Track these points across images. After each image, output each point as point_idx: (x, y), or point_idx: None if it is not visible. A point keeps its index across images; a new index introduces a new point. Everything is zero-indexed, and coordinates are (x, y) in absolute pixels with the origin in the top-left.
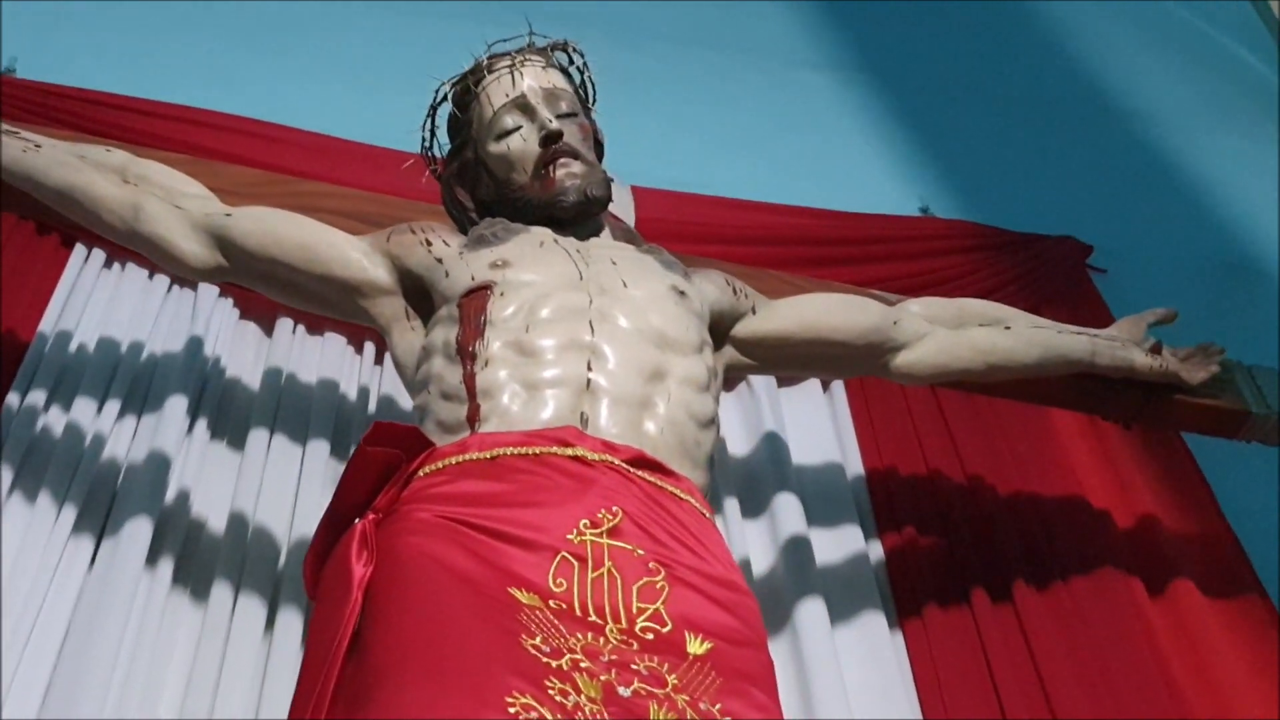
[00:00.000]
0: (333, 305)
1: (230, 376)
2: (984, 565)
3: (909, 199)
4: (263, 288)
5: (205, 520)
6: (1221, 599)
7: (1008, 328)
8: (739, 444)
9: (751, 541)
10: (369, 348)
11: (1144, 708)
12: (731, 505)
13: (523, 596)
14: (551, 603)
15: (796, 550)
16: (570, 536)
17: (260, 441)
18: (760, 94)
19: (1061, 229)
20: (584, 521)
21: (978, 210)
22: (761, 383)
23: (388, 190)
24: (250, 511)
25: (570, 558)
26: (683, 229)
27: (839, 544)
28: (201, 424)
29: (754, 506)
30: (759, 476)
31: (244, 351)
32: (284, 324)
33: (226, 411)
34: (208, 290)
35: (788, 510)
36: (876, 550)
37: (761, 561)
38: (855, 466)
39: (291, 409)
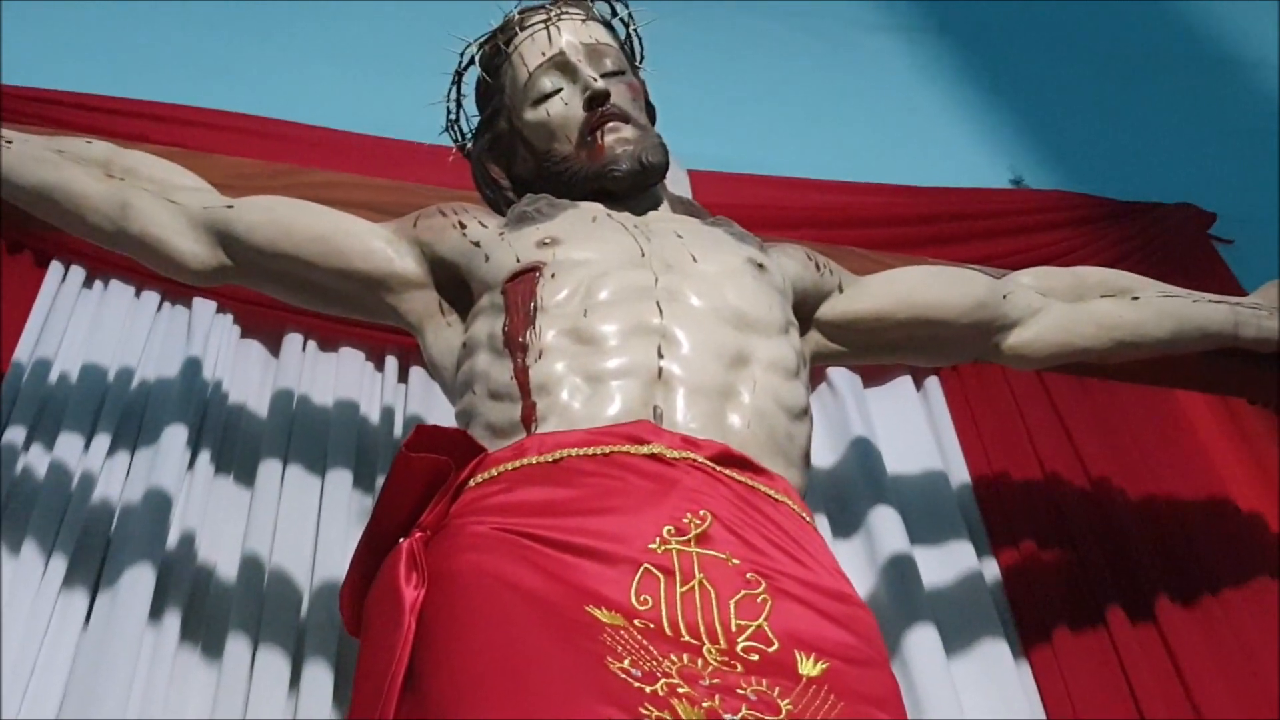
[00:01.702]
0: (356, 304)
1: (234, 402)
2: (1118, 581)
3: (998, 170)
4: (273, 289)
5: (214, 566)
6: None
7: (1135, 298)
8: (824, 453)
9: (847, 563)
10: (391, 363)
11: None
12: (820, 524)
13: (603, 615)
14: (637, 622)
15: (900, 572)
16: (653, 546)
17: (272, 474)
18: (821, 62)
19: (1176, 196)
20: (668, 528)
21: (1077, 179)
22: (845, 382)
23: (418, 180)
24: (265, 554)
25: (655, 570)
26: (748, 214)
27: (948, 563)
28: (204, 457)
29: (847, 523)
30: (850, 489)
31: (248, 373)
32: (292, 340)
33: (232, 442)
34: (204, 306)
35: (886, 526)
36: (992, 569)
37: (860, 585)
38: (960, 474)
39: (306, 436)
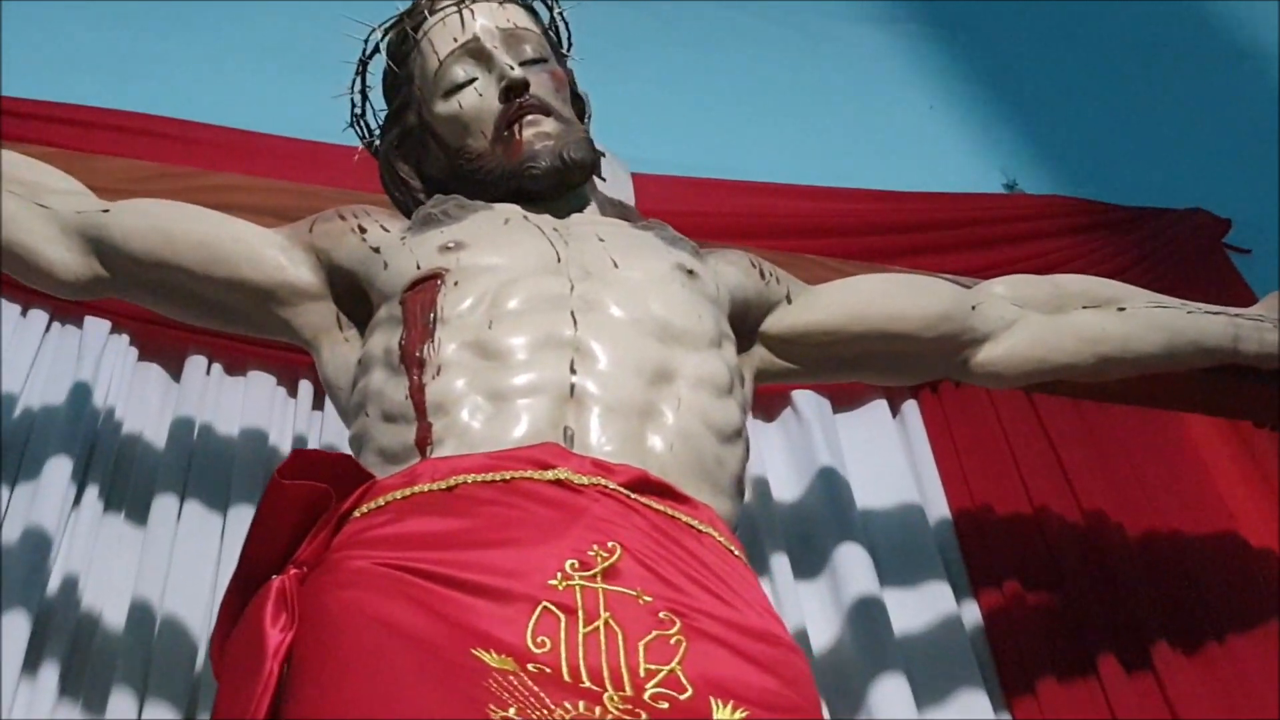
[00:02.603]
0: (246, 319)
1: (128, 431)
2: (1113, 626)
3: (989, 173)
4: (155, 303)
5: (99, 614)
6: None
7: (1121, 309)
8: (787, 486)
9: (810, 608)
10: (305, 388)
11: None
12: (781, 564)
13: (491, 659)
14: (531, 666)
15: (868, 617)
16: (553, 582)
17: (168, 512)
18: (794, 55)
19: (1186, 201)
20: (571, 562)
21: (1076, 182)
22: (811, 405)
23: (315, 182)
24: (157, 601)
25: (555, 609)
26: (699, 222)
27: (923, 607)
28: (92, 493)
29: (810, 564)
30: (815, 525)
31: (145, 400)
32: (195, 363)
33: (124, 475)
34: (97, 325)
35: (854, 566)
36: (972, 613)
37: (824, 633)
38: (938, 507)
39: (208, 469)
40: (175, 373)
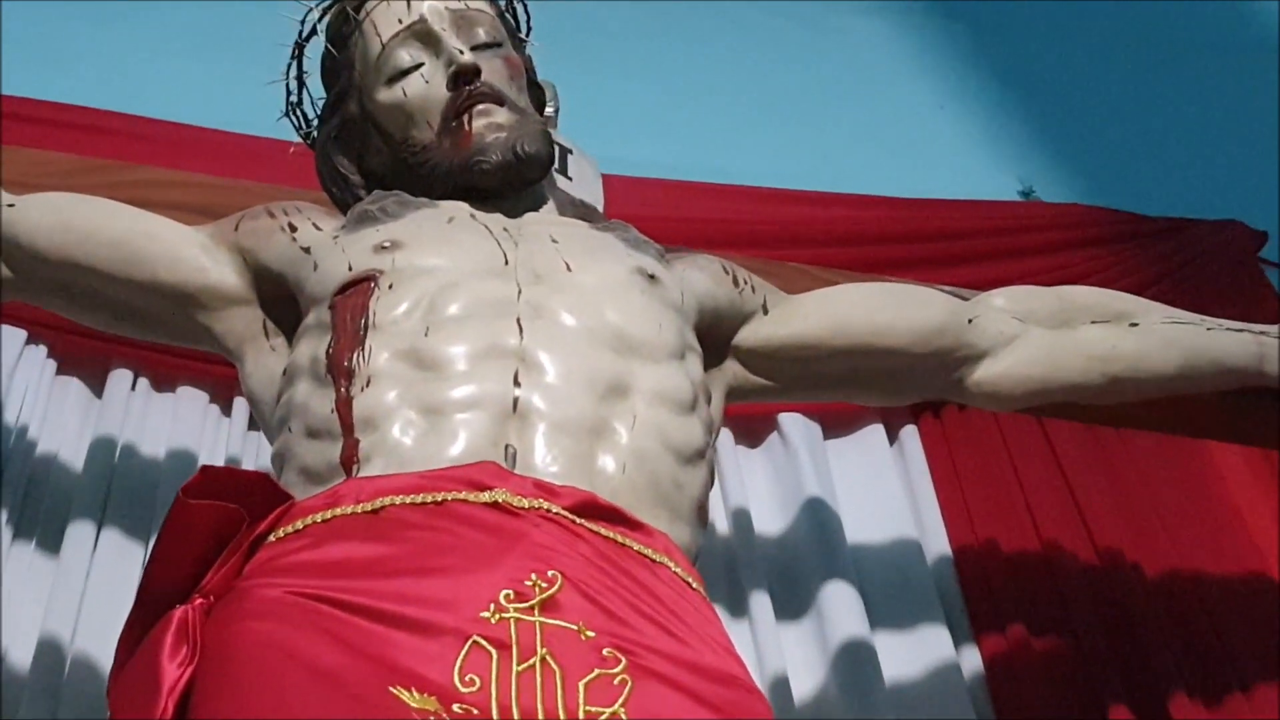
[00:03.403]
0: (164, 326)
1: (43, 451)
2: (1127, 675)
3: (1005, 180)
4: (64, 307)
5: (3, 653)
6: None
7: (1134, 324)
8: (771, 517)
9: (793, 653)
10: (240, 406)
11: None
12: (762, 604)
13: (412, 699)
14: (457, 707)
15: (857, 663)
16: (485, 614)
17: (84, 540)
18: (792, 48)
19: (1218, 212)
20: (506, 593)
21: (1098, 190)
22: (800, 430)
23: (250, 178)
24: (67, 639)
25: (486, 644)
26: (680, 229)
27: (917, 652)
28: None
29: (794, 604)
30: (800, 561)
31: (63, 417)
32: (119, 377)
33: (36, 499)
34: (12, 335)
35: (842, 608)
36: (972, 660)
37: (808, 681)
38: (937, 543)
39: (130, 494)
40: (97, 387)
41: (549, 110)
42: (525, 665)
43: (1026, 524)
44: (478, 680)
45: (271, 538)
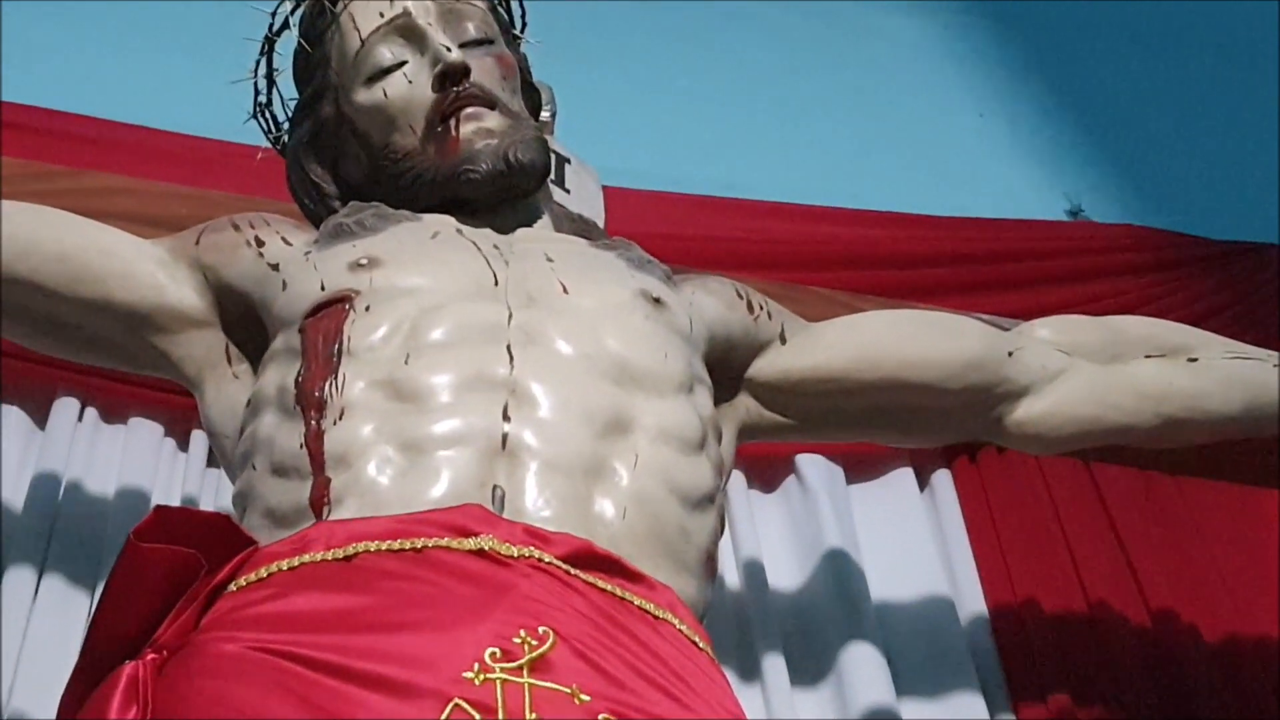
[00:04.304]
0: (114, 350)
1: None
2: None
3: (1050, 197)
4: (8, 328)
5: None
6: None
7: (1192, 359)
8: (788, 570)
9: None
10: (198, 439)
11: None
12: (776, 666)
13: None
14: None
15: None
16: (469, 675)
17: (23, 587)
18: (811, 49)
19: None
20: (491, 651)
21: (1154, 210)
22: (820, 473)
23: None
24: (3, 696)
25: (469, 708)
26: (689, 247)
27: None
28: None
29: (812, 667)
30: (819, 620)
31: (3, 449)
32: (65, 406)
33: None
34: None
35: (865, 671)
36: None
37: None
38: (972, 601)
39: (75, 536)
40: (40, 418)
41: (545, 115)
42: None
43: (1071, 581)
44: None
45: (232, 586)
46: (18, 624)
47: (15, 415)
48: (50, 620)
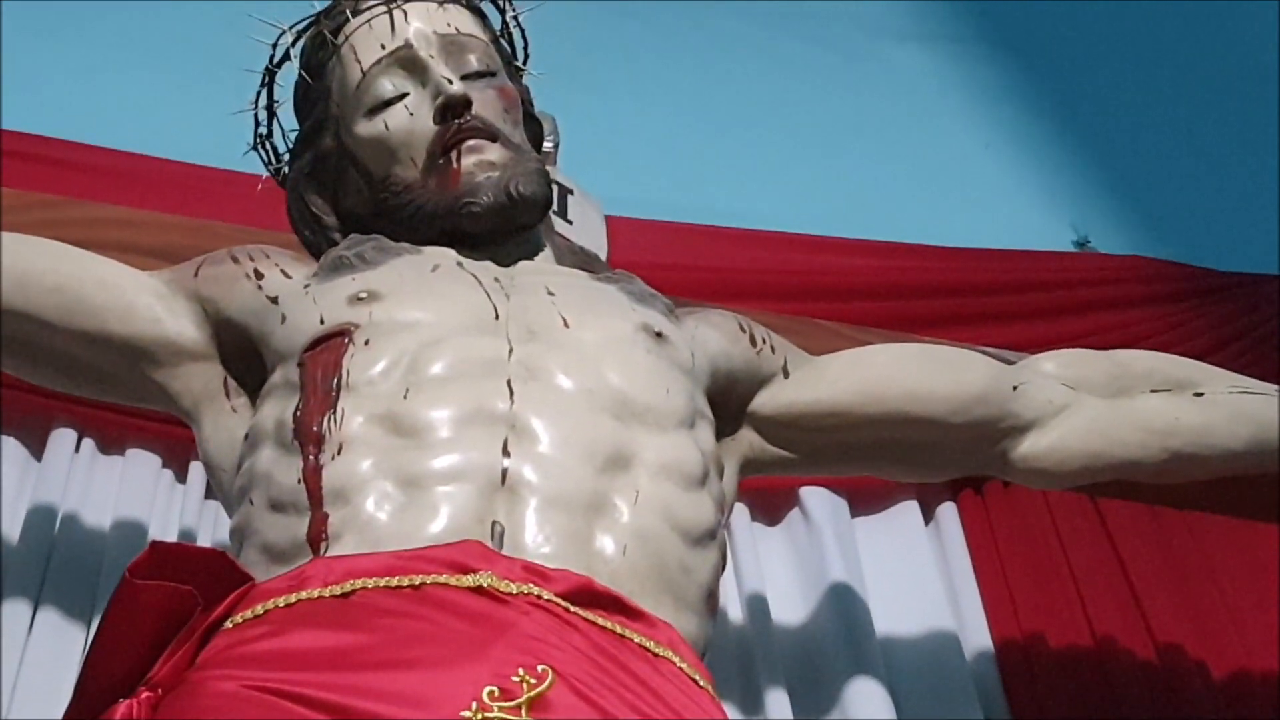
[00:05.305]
0: (112, 382)
1: None
2: None
3: (1057, 228)
4: (4, 360)
5: None
6: None
7: (1199, 394)
8: (791, 605)
9: None
10: (197, 471)
11: None
12: (779, 701)
13: None
14: None
15: None
16: (467, 714)
17: (18, 620)
18: (816, 77)
19: None
20: (490, 689)
21: (1161, 241)
22: (824, 506)
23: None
24: None
25: None
26: (692, 278)
27: None
28: None
29: (816, 703)
30: (823, 655)
31: (1, 480)
32: (62, 437)
33: None
34: None
35: (870, 708)
36: None
37: None
38: (977, 636)
39: (71, 570)
40: (37, 449)
41: (548, 145)
42: None
43: (1077, 615)
44: None
45: (228, 623)
46: (14, 655)
47: (12, 446)
48: (46, 652)
